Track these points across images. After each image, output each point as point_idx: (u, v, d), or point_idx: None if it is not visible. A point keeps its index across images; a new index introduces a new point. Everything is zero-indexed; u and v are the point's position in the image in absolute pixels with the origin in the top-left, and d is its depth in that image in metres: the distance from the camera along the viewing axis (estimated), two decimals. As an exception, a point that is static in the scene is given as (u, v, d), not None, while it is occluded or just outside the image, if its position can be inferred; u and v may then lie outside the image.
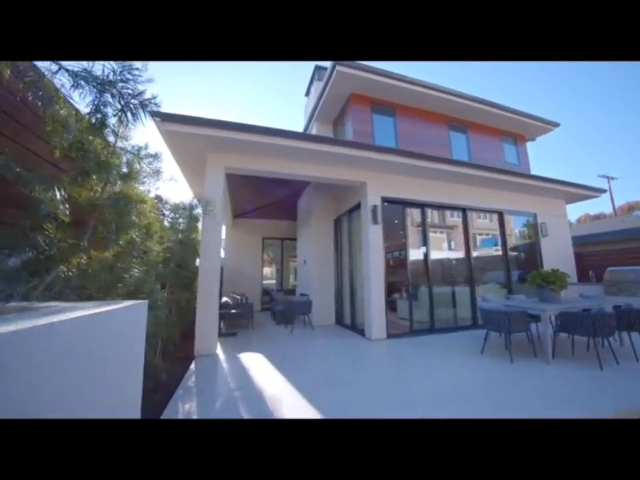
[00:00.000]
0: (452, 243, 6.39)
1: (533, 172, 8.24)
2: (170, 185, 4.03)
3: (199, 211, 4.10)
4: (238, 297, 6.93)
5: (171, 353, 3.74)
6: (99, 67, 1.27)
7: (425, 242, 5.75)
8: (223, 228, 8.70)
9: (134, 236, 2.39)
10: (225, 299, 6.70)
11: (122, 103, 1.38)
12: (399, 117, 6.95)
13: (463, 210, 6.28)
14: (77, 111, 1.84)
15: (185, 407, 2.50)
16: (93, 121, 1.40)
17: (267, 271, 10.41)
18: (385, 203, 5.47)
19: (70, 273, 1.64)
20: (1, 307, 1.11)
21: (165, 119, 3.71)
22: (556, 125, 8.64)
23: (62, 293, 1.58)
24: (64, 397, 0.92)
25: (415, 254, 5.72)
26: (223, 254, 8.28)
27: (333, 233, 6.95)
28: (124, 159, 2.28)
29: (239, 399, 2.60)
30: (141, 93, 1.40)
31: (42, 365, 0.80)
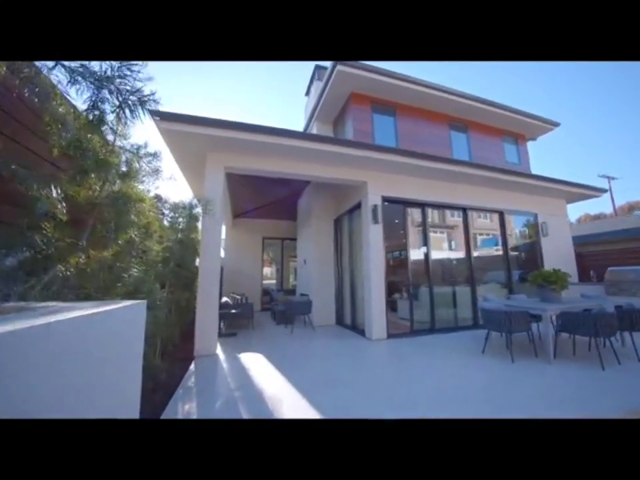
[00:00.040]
0: (452, 243, 6.38)
1: (533, 172, 8.22)
2: (170, 184, 4.02)
3: (198, 210, 4.08)
4: (238, 297, 6.91)
5: (170, 353, 3.72)
6: (97, 63, 1.25)
7: (425, 242, 5.73)
8: (223, 228, 8.69)
9: (133, 235, 2.38)
10: (224, 298, 6.68)
11: (120, 99, 1.36)
12: (400, 116, 6.94)
13: (464, 210, 6.27)
14: (74, 108, 1.82)
15: (185, 407, 2.48)
16: (91, 117, 1.38)
17: (267, 270, 10.40)
18: (386, 203, 5.46)
19: (68, 273, 1.62)
20: (-3, 307, 1.09)
21: (164, 117, 3.70)
22: (556, 124, 8.63)
23: (60, 292, 1.56)
24: (62, 397, 0.91)
25: (416, 254, 5.70)
26: (222, 254, 8.27)
27: (333, 232, 6.93)
28: (123, 158, 2.26)
29: (239, 400, 2.59)
30: (139, 90, 1.38)
31: (40, 365, 0.80)
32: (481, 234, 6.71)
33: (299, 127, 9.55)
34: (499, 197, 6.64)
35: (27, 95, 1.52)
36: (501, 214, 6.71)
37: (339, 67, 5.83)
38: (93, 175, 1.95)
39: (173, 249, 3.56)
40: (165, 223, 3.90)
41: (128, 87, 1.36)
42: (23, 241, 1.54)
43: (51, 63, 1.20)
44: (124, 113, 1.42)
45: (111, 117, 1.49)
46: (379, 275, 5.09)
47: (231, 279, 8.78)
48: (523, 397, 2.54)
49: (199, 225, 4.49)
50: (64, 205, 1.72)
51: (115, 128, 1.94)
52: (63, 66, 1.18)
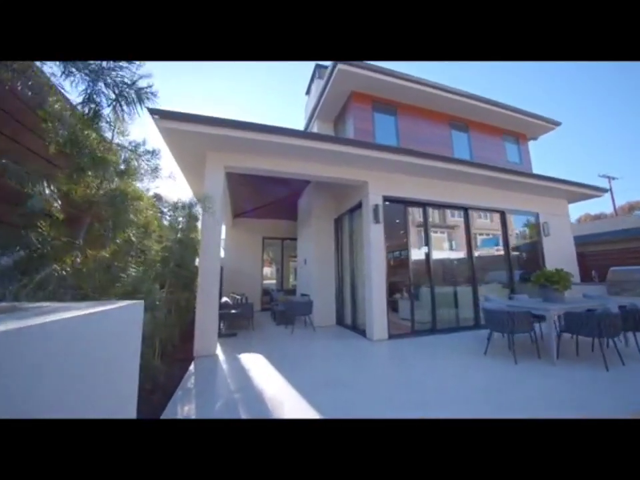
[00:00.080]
0: (453, 243, 6.36)
1: (534, 171, 8.20)
2: (169, 184, 3.99)
3: (198, 209, 4.05)
4: (238, 297, 6.87)
5: (170, 353, 3.69)
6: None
7: (426, 241, 5.70)
8: (223, 227, 8.65)
9: (131, 234, 2.34)
10: (224, 299, 6.64)
11: (116, 92, 1.33)
12: (401, 115, 6.91)
13: (465, 209, 6.24)
14: (69, 102, 1.77)
15: (184, 409, 2.45)
16: (86, 111, 1.35)
17: (267, 270, 10.37)
18: (387, 202, 5.43)
19: (64, 272, 1.59)
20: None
21: (163, 116, 3.67)
22: (557, 123, 8.60)
23: (56, 292, 1.53)
24: (61, 397, 0.90)
25: (417, 254, 5.67)
26: (222, 254, 8.23)
27: (333, 232, 6.90)
28: (121, 156, 2.23)
29: (239, 401, 2.56)
30: (135, 82, 1.34)
31: (34, 366, 0.78)
32: (481, 234, 6.69)
33: (300, 127, 9.53)
34: (500, 197, 6.61)
35: (19, 88, 1.48)
36: (502, 213, 6.68)
37: (340, 66, 5.80)
38: (89, 173, 1.91)
39: (173, 248, 3.53)
40: (165, 222, 3.87)
41: (125, 80, 1.32)
42: (17, 240, 1.50)
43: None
44: (120, 106, 1.38)
45: (107, 111, 1.46)
46: (379, 275, 5.06)
47: (231, 278, 8.74)
48: (527, 399, 2.51)
49: (199, 224, 4.46)
50: (59, 202, 1.69)
51: (111, 122, 1.90)
52: (57, 57, 1.15)
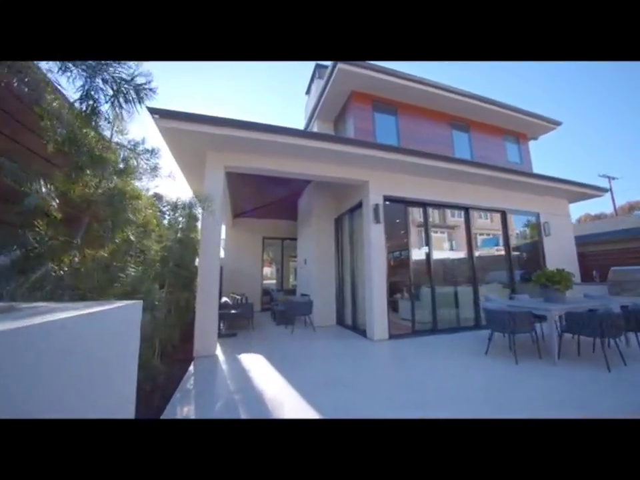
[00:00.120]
0: (453, 243, 6.34)
1: (535, 171, 8.18)
2: (169, 184, 3.98)
3: (198, 209, 4.03)
4: (238, 297, 6.86)
5: (169, 354, 3.67)
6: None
7: (427, 241, 5.69)
8: (223, 227, 8.64)
9: (130, 234, 2.32)
10: (224, 299, 6.63)
11: (114, 88, 1.31)
12: (401, 115, 6.89)
13: (466, 209, 6.23)
14: (66, 100, 1.75)
15: (184, 409, 2.43)
16: (84, 107, 1.33)
17: (267, 270, 10.36)
18: (387, 202, 5.41)
19: (62, 272, 1.57)
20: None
21: (163, 115, 3.66)
22: (558, 123, 8.58)
23: (54, 292, 1.51)
24: (54, 397, 0.89)
25: (417, 253, 5.65)
26: (222, 254, 8.22)
27: (333, 232, 6.89)
28: (120, 154, 2.21)
29: (239, 402, 2.54)
30: (134, 78, 1.33)
31: (32, 366, 0.78)
32: (481, 234, 6.67)
33: (300, 127, 9.50)
34: (501, 197, 6.60)
35: (15, 84, 1.46)
36: (503, 213, 6.66)
37: (340, 66, 5.79)
38: (88, 172, 1.89)
39: (172, 248, 3.51)
40: (164, 221, 3.85)
41: (123, 75, 1.31)
42: (14, 239, 1.49)
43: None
44: (118, 102, 1.37)
45: (105, 107, 1.44)
46: (380, 275, 5.04)
47: (231, 278, 8.73)
48: (528, 399, 2.49)
49: (199, 224, 4.44)
50: (57, 201, 1.67)
51: (110, 120, 1.88)
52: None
